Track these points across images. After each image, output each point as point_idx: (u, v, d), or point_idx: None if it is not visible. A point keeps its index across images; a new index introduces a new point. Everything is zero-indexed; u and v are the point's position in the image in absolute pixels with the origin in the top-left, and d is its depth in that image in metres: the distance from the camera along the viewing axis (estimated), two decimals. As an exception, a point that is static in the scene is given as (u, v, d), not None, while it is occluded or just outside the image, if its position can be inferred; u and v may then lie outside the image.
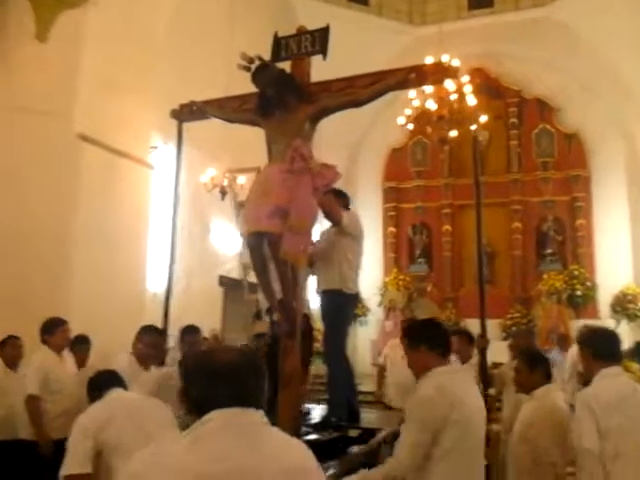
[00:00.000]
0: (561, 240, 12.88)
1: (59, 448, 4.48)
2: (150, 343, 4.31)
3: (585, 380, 3.36)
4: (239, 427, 1.53)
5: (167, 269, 4.79)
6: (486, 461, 3.36)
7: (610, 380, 3.01)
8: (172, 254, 4.79)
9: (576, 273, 12.27)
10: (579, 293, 12.10)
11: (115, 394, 3.06)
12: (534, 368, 3.72)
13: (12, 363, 5.23)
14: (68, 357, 5.22)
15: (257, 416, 1.59)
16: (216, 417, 1.53)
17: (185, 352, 4.81)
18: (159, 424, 2.93)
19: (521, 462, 3.48)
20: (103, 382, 3.18)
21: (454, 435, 2.59)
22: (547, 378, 3.70)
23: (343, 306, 4.15)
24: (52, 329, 4.95)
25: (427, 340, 2.83)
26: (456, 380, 2.79)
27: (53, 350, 4.94)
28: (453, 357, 5.76)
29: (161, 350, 4.55)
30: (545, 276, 12.34)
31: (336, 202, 4.09)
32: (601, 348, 3.12)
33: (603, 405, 2.88)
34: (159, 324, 4.72)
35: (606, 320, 11.67)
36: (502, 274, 13.03)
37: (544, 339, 10.49)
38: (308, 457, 1.64)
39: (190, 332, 5.01)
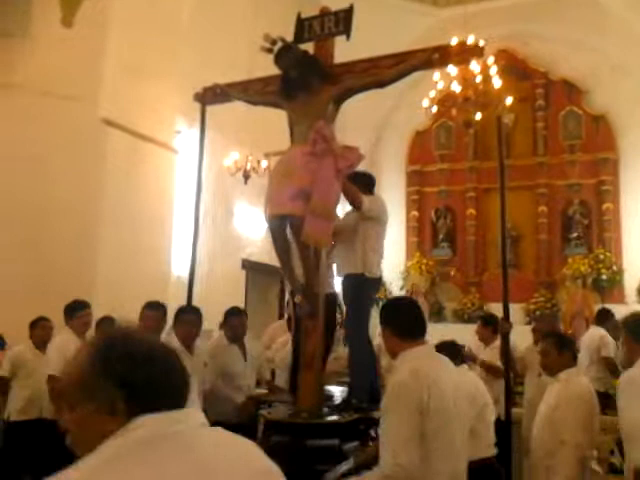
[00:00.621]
0: (587, 224, 12.69)
1: None
2: (150, 317, 4.38)
3: (626, 363, 3.36)
4: (178, 435, 1.17)
5: (190, 252, 4.84)
6: (495, 450, 3.26)
7: None
8: (195, 238, 4.83)
9: (602, 257, 12.10)
10: (605, 277, 11.93)
11: None
12: (563, 351, 3.70)
13: (41, 344, 5.34)
14: None
15: (198, 417, 1.26)
16: (148, 423, 1.16)
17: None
18: None
19: (546, 444, 3.47)
20: None
21: (431, 422, 2.43)
22: (574, 361, 3.69)
23: (366, 290, 4.15)
24: (73, 312, 5.04)
25: (390, 323, 2.71)
26: (433, 363, 2.63)
27: (75, 332, 5.01)
28: (477, 342, 5.80)
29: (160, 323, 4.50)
30: (570, 260, 12.20)
31: (355, 186, 4.06)
32: None
33: None
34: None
35: (632, 305, 11.51)
36: (527, 258, 12.90)
37: (568, 323, 10.39)
38: (266, 457, 1.37)
39: (234, 314, 5.00)
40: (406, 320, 2.68)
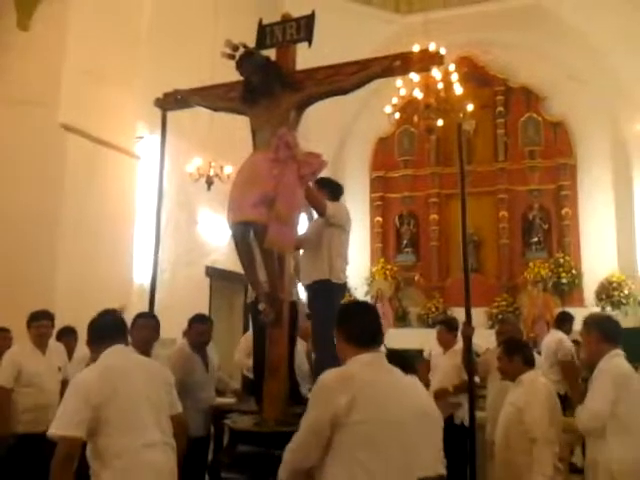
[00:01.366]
0: (547, 228, 12.94)
1: (23, 443, 4.48)
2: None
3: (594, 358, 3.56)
4: None
5: (152, 260, 4.76)
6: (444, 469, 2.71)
7: (621, 358, 3.45)
8: (157, 245, 4.76)
9: (562, 261, 12.36)
10: (564, 281, 12.18)
11: (116, 355, 2.98)
12: (512, 356, 3.81)
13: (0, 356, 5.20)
14: (55, 351, 5.13)
15: None
16: None
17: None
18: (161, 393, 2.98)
19: (517, 443, 3.52)
20: (107, 332, 3.06)
21: (355, 436, 2.21)
22: (527, 364, 3.78)
23: (333, 295, 4.15)
24: (29, 322, 4.88)
25: (341, 327, 2.52)
26: (376, 372, 2.38)
27: (33, 343, 4.85)
28: (437, 347, 5.83)
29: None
30: (531, 264, 12.42)
31: (319, 192, 4.07)
32: (612, 331, 3.54)
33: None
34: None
35: (591, 308, 11.75)
36: (489, 263, 13.09)
37: (529, 327, 10.57)
38: None
39: (199, 321, 4.90)
40: (358, 326, 2.50)
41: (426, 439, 2.39)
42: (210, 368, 4.89)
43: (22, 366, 4.69)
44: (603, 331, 3.51)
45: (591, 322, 3.62)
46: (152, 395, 2.91)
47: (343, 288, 4.28)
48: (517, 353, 3.81)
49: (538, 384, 3.66)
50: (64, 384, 4.82)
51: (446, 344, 5.65)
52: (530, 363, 3.80)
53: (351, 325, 2.51)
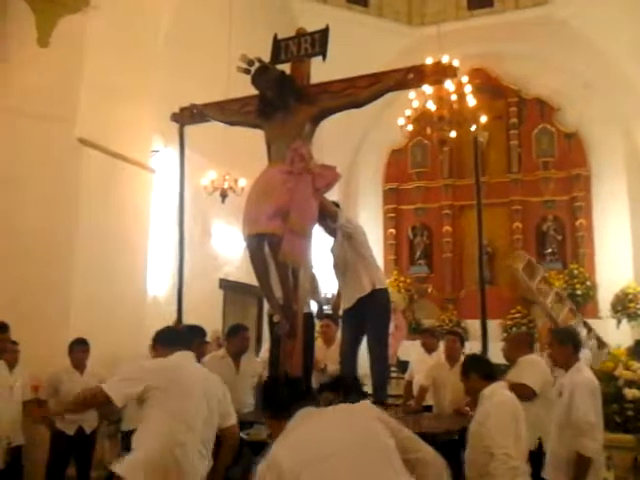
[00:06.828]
0: (561, 240, 12.88)
1: None
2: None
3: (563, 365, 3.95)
4: None
5: (177, 271, 4.81)
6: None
7: (588, 369, 3.95)
8: (181, 256, 4.81)
9: (576, 272, 12.27)
10: (579, 292, 12.09)
11: (186, 359, 3.14)
12: (467, 374, 3.65)
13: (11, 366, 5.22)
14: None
15: None
16: None
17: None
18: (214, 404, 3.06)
19: (478, 461, 3.35)
20: (178, 338, 3.31)
21: None
22: (484, 379, 3.56)
23: (386, 301, 4.32)
24: None
25: (264, 410, 2.62)
26: (299, 437, 2.17)
27: None
28: (442, 356, 5.72)
29: None
30: (545, 275, 12.34)
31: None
32: (580, 344, 4.04)
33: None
34: (159, 327, 4.72)
35: (607, 320, 11.66)
36: (503, 274, 13.03)
37: (544, 339, 10.48)
38: None
39: (243, 329, 5.32)
40: (272, 398, 2.53)
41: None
42: (241, 373, 5.03)
43: None
44: (576, 345, 3.90)
45: (566, 336, 4.00)
46: (203, 405, 2.98)
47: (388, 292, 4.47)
48: (471, 370, 3.63)
49: (497, 396, 3.44)
50: None
51: (450, 355, 5.44)
52: (487, 377, 3.56)
53: (269, 401, 2.52)
